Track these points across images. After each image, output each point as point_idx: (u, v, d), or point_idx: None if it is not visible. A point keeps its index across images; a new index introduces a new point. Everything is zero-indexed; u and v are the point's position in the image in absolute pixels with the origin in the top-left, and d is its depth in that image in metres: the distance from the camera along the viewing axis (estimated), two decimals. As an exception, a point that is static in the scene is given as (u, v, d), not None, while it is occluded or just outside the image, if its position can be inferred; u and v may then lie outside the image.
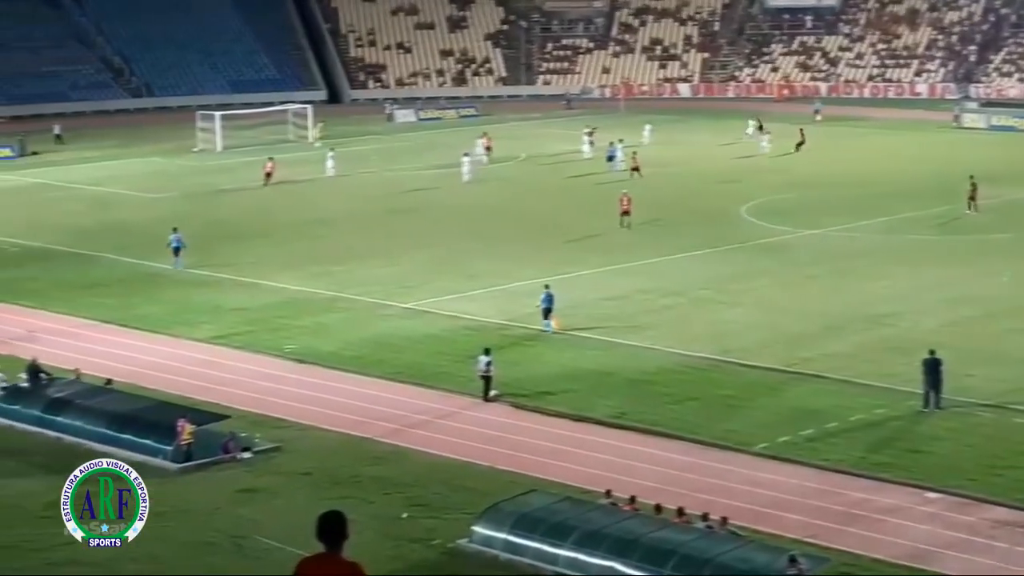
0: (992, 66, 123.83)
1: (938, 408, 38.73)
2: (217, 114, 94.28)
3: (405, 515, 32.28)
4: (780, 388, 41.37)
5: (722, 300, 51.88)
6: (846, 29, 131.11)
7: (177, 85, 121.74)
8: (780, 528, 31.21)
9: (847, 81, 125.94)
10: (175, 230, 58.57)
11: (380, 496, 33.50)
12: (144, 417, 37.49)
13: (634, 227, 63.50)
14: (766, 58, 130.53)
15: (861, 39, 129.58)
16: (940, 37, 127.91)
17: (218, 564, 30.14)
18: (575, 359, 44.37)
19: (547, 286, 48.39)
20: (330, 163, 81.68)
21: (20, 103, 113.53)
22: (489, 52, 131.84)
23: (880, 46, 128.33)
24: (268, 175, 78.86)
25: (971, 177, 67.80)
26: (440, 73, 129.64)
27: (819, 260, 58.12)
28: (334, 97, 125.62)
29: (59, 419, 38.34)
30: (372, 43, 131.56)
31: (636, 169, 77.89)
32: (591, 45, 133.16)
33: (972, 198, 66.97)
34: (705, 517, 30.32)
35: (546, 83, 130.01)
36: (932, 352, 39.41)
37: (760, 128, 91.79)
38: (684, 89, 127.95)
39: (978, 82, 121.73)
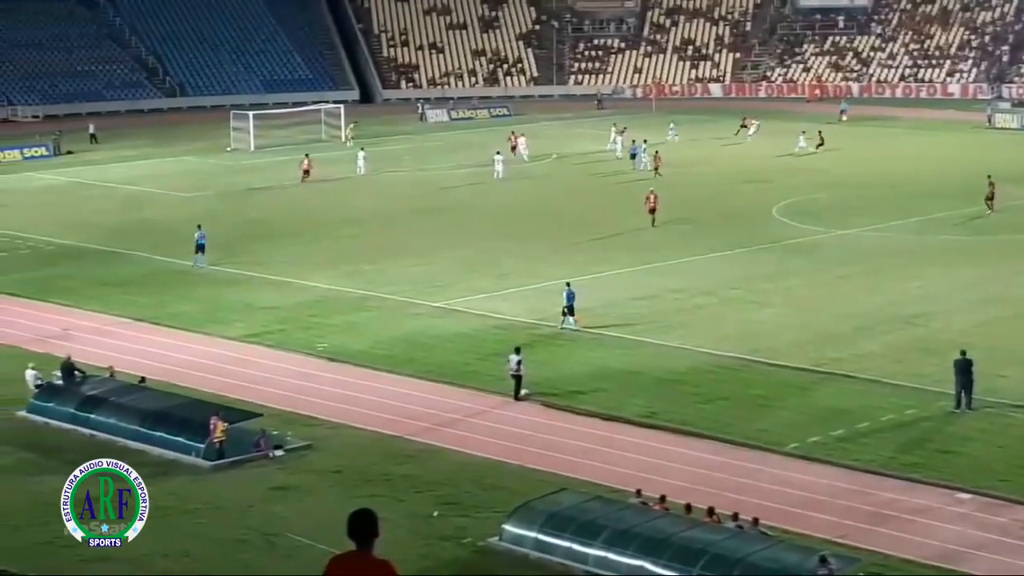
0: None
1: (969, 409, 38.65)
2: (250, 114, 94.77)
3: (436, 513, 32.37)
4: (811, 388, 41.34)
5: (753, 300, 51.85)
6: (878, 29, 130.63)
7: (210, 85, 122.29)
8: (810, 528, 31.22)
9: (879, 81, 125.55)
10: (199, 227, 58.94)
11: (411, 494, 33.61)
12: (177, 415, 37.68)
13: (665, 227, 63.50)
14: (798, 58, 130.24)
15: (893, 39, 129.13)
16: (972, 37, 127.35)
17: (250, 561, 30.31)
18: (605, 358, 44.42)
19: (568, 283, 48.52)
20: (361, 162, 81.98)
21: (55, 102, 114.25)
22: (521, 52, 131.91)
23: (912, 46, 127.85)
24: (306, 172, 79.27)
25: (988, 177, 67.68)
26: (472, 73, 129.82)
27: (850, 260, 58.00)
28: (366, 97, 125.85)
29: (93, 417, 38.57)
30: (404, 43, 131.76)
31: (656, 169, 78.02)
32: (623, 45, 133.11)
33: (990, 198, 66.79)
34: (735, 517, 30.32)
35: (578, 83, 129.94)
36: (963, 353, 39.34)
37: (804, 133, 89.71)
38: (715, 89, 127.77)
39: (1011, 82, 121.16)
